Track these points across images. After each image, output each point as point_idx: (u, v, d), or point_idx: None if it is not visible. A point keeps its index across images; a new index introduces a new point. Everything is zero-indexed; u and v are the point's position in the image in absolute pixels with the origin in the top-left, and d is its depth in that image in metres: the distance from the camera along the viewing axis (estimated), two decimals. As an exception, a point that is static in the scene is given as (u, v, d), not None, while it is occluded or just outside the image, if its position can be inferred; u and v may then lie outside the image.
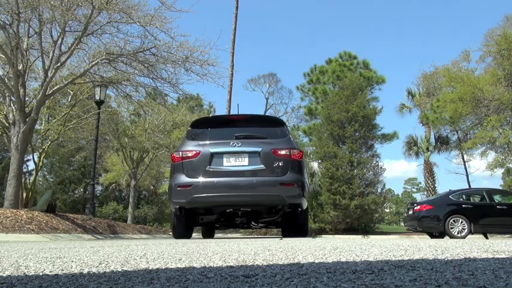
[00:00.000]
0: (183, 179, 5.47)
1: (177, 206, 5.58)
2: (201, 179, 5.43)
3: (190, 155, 5.54)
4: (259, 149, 5.48)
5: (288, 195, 5.40)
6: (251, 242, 2.84)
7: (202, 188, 5.38)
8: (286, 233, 7.57)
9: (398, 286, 0.83)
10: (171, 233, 17.90)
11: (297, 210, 5.73)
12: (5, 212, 8.91)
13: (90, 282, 0.96)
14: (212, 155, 5.50)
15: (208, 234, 9.10)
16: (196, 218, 6.16)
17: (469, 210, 11.02)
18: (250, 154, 5.48)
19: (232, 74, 18.93)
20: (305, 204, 5.77)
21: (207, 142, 5.66)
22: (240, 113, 7.61)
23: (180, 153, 5.61)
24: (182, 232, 5.93)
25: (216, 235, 15.69)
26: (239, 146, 5.49)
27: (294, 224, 6.03)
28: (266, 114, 33.74)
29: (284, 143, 5.67)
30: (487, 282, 0.85)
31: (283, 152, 5.49)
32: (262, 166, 5.42)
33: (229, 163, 5.47)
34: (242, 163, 5.46)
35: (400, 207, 53.69)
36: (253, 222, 6.51)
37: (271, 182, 5.39)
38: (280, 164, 5.42)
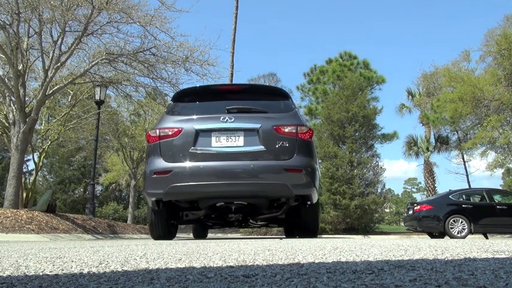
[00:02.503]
0: (160, 163, 4.33)
1: (153, 199, 4.44)
2: (182, 164, 4.29)
3: (169, 133, 4.41)
4: (257, 126, 4.35)
5: (295, 184, 4.26)
6: (251, 242, 2.84)
7: (184, 175, 4.24)
8: (290, 233, 6.54)
9: (398, 286, 0.83)
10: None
11: (305, 203, 4.59)
12: (5, 212, 8.91)
13: (90, 282, 0.96)
14: (197, 133, 4.35)
15: (200, 234, 8.07)
16: (179, 214, 5.12)
17: (469, 210, 11.02)
18: (247, 132, 4.35)
19: (232, 74, 18.92)
20: (316, 197, 4.57)
21: (192, 117, 4.50)
22: (233, 83, 6.26)
23: (157, 131, 4.47)
24: (162, 232, 4.83)
25: (217, 235, 15.72)
26: (232, 122, 4.35)
27: (302, 221, 4.89)
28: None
29: (289, 118, 4.54)
30: (487, 282, 0.85)
31: (288, 130, 4.37)
32: (261, 147, 4.29)
33: (219, 143, 4.33)
34: (236, 143, 4.32)
35: (400, 207, 53.71)
36: (251, 220, 5.43)
37: (273, 167, 4.29)
38: (285, 145, 4.31)
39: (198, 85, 5.18)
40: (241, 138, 4.35)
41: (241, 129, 4.37)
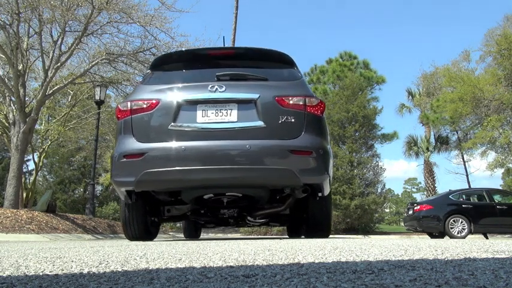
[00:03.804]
0: (132, 144, 3.47)
1: (123, 189, 3.57)
2: (159, 144, 3.43)
3: (144, 106, 3.54)
4: (255, 96, 3.49)
5: (303, 169, 3.40)
6: (251, 242, 2.85)
7: (161, 159, 3.39)
8: (294, 232, 5.87)
9: (398, 286, 0.83)
10: (171, 233, 17.90)
11: (315, 195, 3.72)
12: (5, 212, 8.91)
13: (90, 282, 0.96)
14: (179, 105, 3.50)
15: (192, 234, 7.04)
16: (160, 210, 4.25)
17: (469, 210, 11.03)
18: (241, 104, 3.51)
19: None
20: (328, 187, 3.72)
21: (172, 86, 3.65)
22: (226, 46, 5.05)
23: (128, 103, 3.60)
24: (139, 231, 3.95)
25: (217, 235, 15.72)
26: (223, 91, 3.51)
27: (310, 218, 4.03)
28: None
29: (295, 87, 3.69)
30: (487, 282, 0.85)
31: (294, 101, 3.53)
32: (260, 123, 3.43)
33: (206, 118, 3.46)
34: (227, 118, 3.46)
35: (400, 207, 53.71)
36: (248, 218, 4.53)
37: (274, 148, 3.40)
38: (290, 120, 3.46)
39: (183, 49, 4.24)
40: (235, 112, 3.47)
41: (234, 101, 3.50)
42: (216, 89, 3.54)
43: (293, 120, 3.49)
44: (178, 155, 3.38)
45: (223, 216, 4.42)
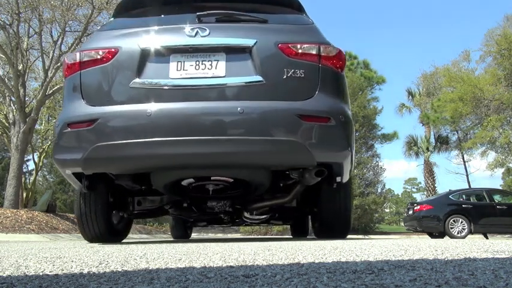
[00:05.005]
0: (79, 108, 2.61)
1: (68, 171, 2.71)
2: (116, 108, 2.57)
3: (97, 56, 2.67)
4: (250, 42, 2.63)
5: (317, 142, 2.52)
6: (251, 242, 2.85)
7: (119, 128, 2.54)
8: (300, 231, 5.28)
9: (398, 286, 0.84)
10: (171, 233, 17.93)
11: (332, 181, 2.86)
12: (5, 212, 8.91)
13: (90, 282, 0.96)
14: (145, 54, 2.63)
15: (181, 233, 6.06)
16: (128, 201, 3.44)
17: (469, 210, 11.04)
18: (232, 52, 2.64)
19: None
20: (349, 170, 2.87)
21: (137, 30, 2.76)
22: None
23: (78, 55, 2.72)
24: (100, 229, 3.14)
25: (217, 235, 15.71)
26: (206, 36, 2.63)
27: (324, 213, 3.25)
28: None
29: (305, 32, 2.81)
30: (487, 282, 0.85)
31: (304, 49, 2.65)
32: (257, 78, 2.57)
33: (182, 72, 2.60)
34: (212, 72, 2.59)
35: (400, 207, 53.72)
36: (245, 214, 3.60)
37: (278, 112, 2.52)
38: (299, 75, 2.59)
39: None
40: (222, 64, 2.60)
41: (221, 48, 2.63)
42: (197, 32, 2.63)
43: (303, 75, 2.60)
44: (142, 123, 2.50)
45: (213, 210, 3.52)
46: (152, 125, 2.49)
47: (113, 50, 2.68)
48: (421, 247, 1.76)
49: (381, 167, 17.18)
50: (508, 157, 20.17)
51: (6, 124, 12.34)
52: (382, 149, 69.91)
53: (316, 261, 1.27)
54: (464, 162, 25.11)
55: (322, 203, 3.23)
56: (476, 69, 22.62)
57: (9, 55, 10.29)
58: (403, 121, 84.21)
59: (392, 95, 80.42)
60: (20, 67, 10.59)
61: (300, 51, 2.65)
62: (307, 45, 2.66)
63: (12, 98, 11.16)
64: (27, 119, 10.58)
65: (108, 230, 3.19)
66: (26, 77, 11.08)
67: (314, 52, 2.66)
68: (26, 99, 11.28)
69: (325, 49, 2.69)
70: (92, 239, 3.24)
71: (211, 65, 2.61)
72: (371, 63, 21.40)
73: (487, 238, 11.34)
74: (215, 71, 2.59)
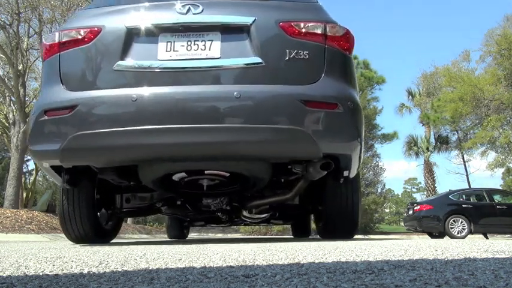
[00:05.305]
0: (57, 93, 2.38)
1: (46, 164, 2.51)
2: (98, 93, 2.35)
3: (78, 36, 2.43)
4: (248, 20, 2.41)
5: (323, 131, 2.31)
6: (251, 242, 2.85)
7: (100, 115, 2.33)
8: (302, 231, 5.08)
9: (398, 286, 0.84)
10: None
11: (338, 176, 2.67)
12: (5, 212, 8.92)
13: (90, 282, 0.96)
14: (131, 34, 2.41)
15: (177, 233, 5.79)
16: (115, 198, 3.22)
17: (469, 210, 11.05)
18: (227, 31, 2.43)
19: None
20: (358, 164, 2.65)
21: (122, 7, 2.56)
22: None
23: (56, 35, 2.48)
24: (85, 229, 2.91)
25: (217, 235, 15.70)
26: (199, 13, 2.41)
27: (329, 211, 3.02)
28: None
29: (309, 9, 2.59)
30: (487, 282, 0.85)
31: (308, 28, 2.43)
32: (256, 59, 2.35)
33: (172, 53, 2.38)
34: (206, 53, 2.37)
35: (400, 207, 53.72)
36: (244, 213, 3.40)
37: (279, 97, 2.31)
38: (303, 56, 2.37)
39: None
40: (217, 44, 2.37)
41: (216, 27, 2.41)
42: (189, 9, 2.41)
43: (307, 57, 2.37)
44: (126, 109, 2.27)
45: (209, 209, 3.29)
46: (138, 111, 2.26)
47: (95, 29, 2.43)
48: (421, 247, 1.76)
49: (381, 167, 17.25)
50: (508, 157, 20.18)
51: (6, 124, 12.35)
52: (382, 149, 69.87)
53: (316, 261, 1.27)
54: (464, 162, 25.14)
55: (327, 200, 2.99)
56: (476, 69, 22.65)
57: (9, 55, 10.30)
58: (403, 121, 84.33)
59: (392, 95, 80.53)
60: (20, 67, 10.60)
61: (303, 30, 2.42)
62: (312, 24, 2.44)
63: (12, 98, 11.17)
64: (27, 119, 10.59)
65: (93, 229, 2.96)
66: (26, 77, 11.09)
67: (319, 31, 2.44)
68: (26, 99, 11.29)
69: (331, 28, 2.46)
70: (76, 240, 3.02)
71: (204, 45, 2.38)
72: (371, 63, 21.41)
73: (487, 238, 11.34)
74: (209, 52, 2.37)
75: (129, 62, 2.37)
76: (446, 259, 1.25)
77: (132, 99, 2.24)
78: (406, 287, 0.83)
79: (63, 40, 2.44)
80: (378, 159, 17.40)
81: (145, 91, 2.29)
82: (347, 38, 2.52)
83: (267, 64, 2.34)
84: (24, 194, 14.79)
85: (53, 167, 2.53)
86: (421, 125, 25.61)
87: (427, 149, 24.12)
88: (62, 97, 2.35)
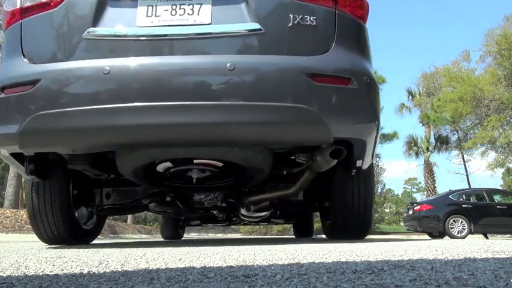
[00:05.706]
0: (17, 66, 2.04)
1: (4, 150, 2.13)
2: (64, 65, 1.98)
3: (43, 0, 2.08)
4: None
5: (335, 110, 1.97)
6: (251, 242, 2.85)
7: (67, 91, 1.95)
8: (305, 231, 4.75)
9: (398, 286, 0.84)
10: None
11: (350, 166, 2.32)
12: (5, 212, 8.92)
13: (90, 282, 0.96)
14: None
15: (171, 233, 5.38)
16: (95, 193, 2.84)
17: (469, 210, 11.05)
18: None
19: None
20: (373, 151, 2.27)
21: None
22: None
23: (18, 0, 2.12)
24: (59, 229, 2.57)
25: (217, 235, 15.69)
26: None
27: (338, 207, 2.69)
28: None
29: None
30: (487, 282, 0.85)
31: None
32: (253, 25, 1.98)
33: (154, 19, 2.00)
34: (194, 18, 2.00)
35: (400, 207, 53.70)
36: (242, 211, 2.94)
37: (281, 70, 1.96)
38: (309, 23, 2.00)
39: None
40: (207, 8, 2.00)
41: None
42: None
43: (314, 23, 2.00)
44: (97, 84, 1.92)
45: (202, 206, 2.94)
46: (111, 86, 1.90)
47: None
48: (421, 247, 1.76)
49: (381, 167, 17.22)
50: (508, 157, 20.18)
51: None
52: (382, 149, 69.93)
53: (316, 261, 1.27)
54: (464, 162, 25.16)
55: (336, 195, 2.63)
56: (476, 69, 22.67)
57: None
58: (403, 121, 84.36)
59: (392, 95, 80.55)
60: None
61: None
62: None
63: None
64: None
65: (69, 229, 2.60)
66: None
67: None
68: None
69: None
70: (49, 241, 2.66)
71: (192, 9, 2.00)
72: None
73: (487, 238, 11.35)
74: (197, 18, 1.99)
75: (102, 29, 2.00)
76: (446, 259, 1.25)
77: (104, 71, 1.88)
78: (406, 287, 0.83)
79: (25, 5, 2.09)
80: (378, 159, 17.41)
81: (120, 62, 1.93)
82: (361, 4, 2.19)
83: (267, 31, 1.97)
84: (24, 194, 14.81)
85: (13, 154, 2.14)
86: (421, 125, 25.61)
87: (427, 149, 24.11)
88: (22, 71, 2.00)
